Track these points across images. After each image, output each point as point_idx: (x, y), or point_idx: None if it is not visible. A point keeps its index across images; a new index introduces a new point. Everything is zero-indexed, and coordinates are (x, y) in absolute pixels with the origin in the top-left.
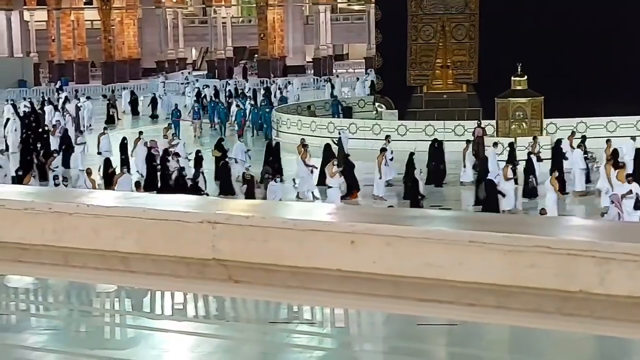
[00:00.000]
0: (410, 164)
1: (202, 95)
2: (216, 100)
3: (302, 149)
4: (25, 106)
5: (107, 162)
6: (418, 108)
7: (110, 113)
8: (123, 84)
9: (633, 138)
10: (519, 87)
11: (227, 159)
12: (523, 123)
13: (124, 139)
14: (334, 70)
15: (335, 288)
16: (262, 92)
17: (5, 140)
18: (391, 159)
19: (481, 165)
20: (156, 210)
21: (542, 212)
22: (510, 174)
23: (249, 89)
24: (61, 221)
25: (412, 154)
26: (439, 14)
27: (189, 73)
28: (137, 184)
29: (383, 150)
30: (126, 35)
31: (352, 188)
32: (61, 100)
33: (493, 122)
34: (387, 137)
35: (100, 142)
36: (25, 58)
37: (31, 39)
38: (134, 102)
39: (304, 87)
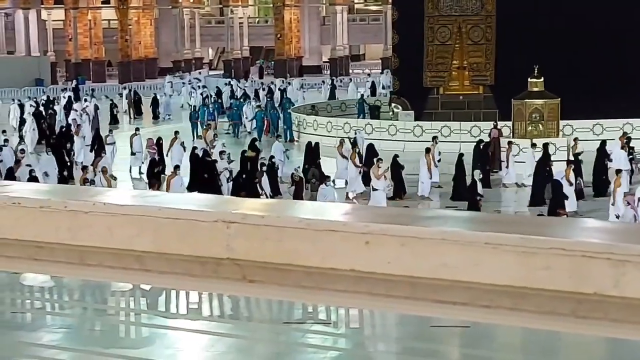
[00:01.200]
0: (460, 165)
1: (205, 95)
2: (219, 101)
3: (351, 150)
4: (30, 105)
5: (153, 163)
6: (434, 109)
7: (114, 113)
8: (124, 83)
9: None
10: (535, 89)
11: (272, 160)
12: (539, 125)
13: (160, 139)
14: (350, 71)
15: (349, 288)
16: (265, 93)
17: (23, 139)
18: (439, 160)
19: (542, 167)
20: (171, 209)
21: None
22: (572, 175)
23: (254, 90)
24: (77, 219)
25: (461, 154)
26: (455, 15)
27: (198, 73)
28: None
29: (428, 150)
30: (143, 35)
31: (400, 189)
32: (64, 100)
33: (509, 123)
34: (435, 138)
35: (132, 143)
36: (42, 57)
37: (48, 38)
38: (137, 102)
39: (310, 88)
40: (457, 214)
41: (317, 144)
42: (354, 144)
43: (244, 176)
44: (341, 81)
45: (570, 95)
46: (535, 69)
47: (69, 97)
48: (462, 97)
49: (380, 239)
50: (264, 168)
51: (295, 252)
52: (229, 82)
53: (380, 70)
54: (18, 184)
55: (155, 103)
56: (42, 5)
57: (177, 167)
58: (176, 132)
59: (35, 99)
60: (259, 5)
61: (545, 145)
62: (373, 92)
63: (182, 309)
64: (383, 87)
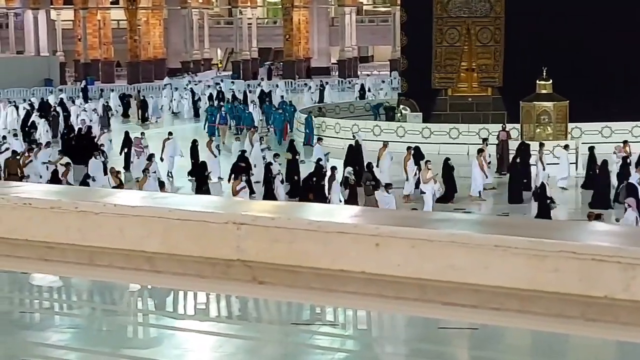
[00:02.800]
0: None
1: (197, 97)
2: (221, 104)
3: (407, 153)
4: (24, 108)
5: (203, 165)
6: (443, 111)
7: (109, 116)
8: (111, 84)
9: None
10: (544, 91)
11: (319, 162)
12: (548, 127)
13: (195, 141)
14: (359, 72)
15: (359, 290)
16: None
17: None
18: (489, 163)
19: (603, 169)
20: (181, 210)
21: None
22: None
23: (239, 91)
24: (87, 220)
25: (515, 157)
26: (464, 17)
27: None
28: (162, 184)
29: (481, 151)
30: (152, 35)
31: (451, 191)
32: (55, 103)
33: (518, 125)
34: (485, 140)
35: (165, 147)
36: (52, 57)
37: (57, 38)
38: (126, 105)
39: (293, 90)
40: (466, 216)
41: (359, 144)
42: (356, 146)
43: (314, 179)
44: (350, 82)
45: (579, 97)
46: (544, 71)
47: (61, 99)
48: (470, 98)
49: (390, 241)
50: (328, 173)
51: (305, 254)
52: (218, 84)
53: (388, 72)
54: (29, 185)
55: (144, 105)
56: (52, 6)
57: (238, 175)
58: (211, 137)
59: (30, 101)
60: (267, 6)
61: (591, 149)
62: (362, 95)
63: (190, 309)
64: (369, 90)
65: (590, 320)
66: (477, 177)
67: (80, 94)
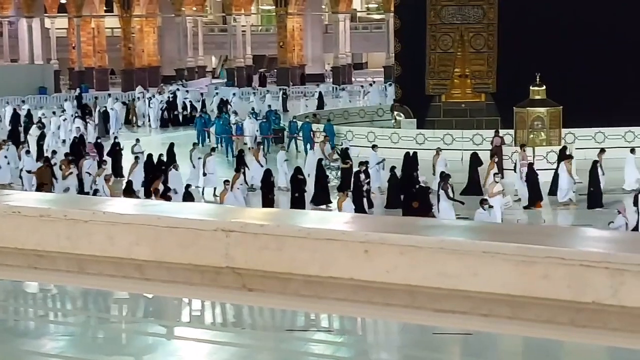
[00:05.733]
0: (594, 171)
1: (183, 105)
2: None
3: (490, 161)
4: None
5: (268, 173)
6: (436, 117)
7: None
8: (96, 92)
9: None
10: (537, 97)
11: (395, 170)
12: (541, 132)
13: (242, 151)
14: (352, 79)
15: (348, 297)
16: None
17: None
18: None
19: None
20: (171, 218)
21: None
22: None
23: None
24: (76, 228)
25: (595, 161)
26: (457, 23)
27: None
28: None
29: (570, 157)
30: (146, 43)
31: (535, 198)
32: (39, 117)
33: (511, 131)
34: (564, 148)
35: (206, 164)
36: (46, 65)
37: (52, 46)
38: (105, 113)
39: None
40: (456, 223)
41: (415, 153)
42: (344, 152)
43: (417, 186)
44: (343, 89)
45: (572, 103)
46: (537, 77)
47: (43, 114)
48: (464, 104)
49: (379, 247)
50: (417, 186)
51: (294, 261)
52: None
53: (382, 79)
54: (20, 193)
55: (105, 117)
56: (46, 14)
57: (342, 189)
58: (258, 143)
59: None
60: (261, 13)
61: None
62: (320, 105)
63: (184, 317)
64: (322, 98)
65: (580, 327)
66: (565, 183)
67: (75, 101)
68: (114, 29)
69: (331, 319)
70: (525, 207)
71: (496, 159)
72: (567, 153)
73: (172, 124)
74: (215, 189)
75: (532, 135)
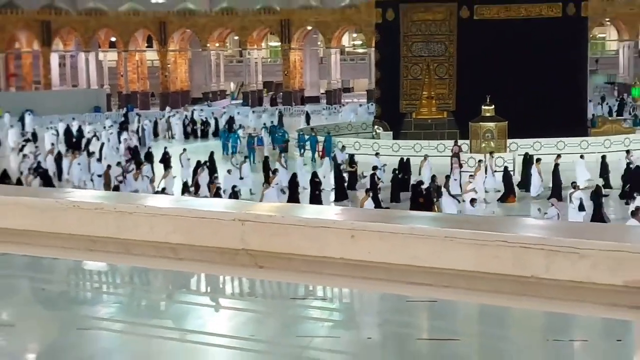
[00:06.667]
0: (556, 171)
1: (203, 122)
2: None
3: (536, 163)
4: (53, 133)
5: (294, 176)
6: (408, 130)
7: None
8: (146, 111)
9: (582, 156)
10: (487, 114)
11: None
12: (491, 142)
13: (267, 157)
14: (342, 100)
15: (339, 272)
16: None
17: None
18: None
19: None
20: (199, 210)
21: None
22: None
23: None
24: (123, 219)
25: (557, 164)
26: (424, 56)
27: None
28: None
29: (538, 160)
30: (179, 72)
31: (509, 194)
32: (52, 135)
33: (467, 141)
34: (526, 154)
35: (242, 169)
36: (100, 89)
37: (104, 74)
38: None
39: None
40: (425, 214)
41: (408, 159)
42: (334, 159)
43: (423, 187)
44: (336, 108)
45: (516, 118)
46: (488, 98)
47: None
48: (430, 120)
49: (363, 233)
50: (424, 187)
51: (296, 244)
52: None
53: (366, 100)
54: (79, 191)
55: (142, 131)
56: (100, 49)
57: (367, 191)
58: (284, 150)
59: (56, 128)
60: (270, 48)
61: (527, 155)
62: (307, 121)
63: (209, 289)
64: (309, 115)
65: (522, 295)
66: (536, 180)
67: (123, 118)
68: (154, 61)
69: (325, 290)
70: (499, 200)
71: (455, 163)
72: (535, 158)
73: (193, 137)
74: (250, 189)
75: (483, 144)
